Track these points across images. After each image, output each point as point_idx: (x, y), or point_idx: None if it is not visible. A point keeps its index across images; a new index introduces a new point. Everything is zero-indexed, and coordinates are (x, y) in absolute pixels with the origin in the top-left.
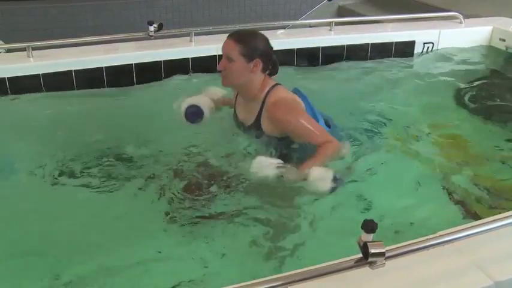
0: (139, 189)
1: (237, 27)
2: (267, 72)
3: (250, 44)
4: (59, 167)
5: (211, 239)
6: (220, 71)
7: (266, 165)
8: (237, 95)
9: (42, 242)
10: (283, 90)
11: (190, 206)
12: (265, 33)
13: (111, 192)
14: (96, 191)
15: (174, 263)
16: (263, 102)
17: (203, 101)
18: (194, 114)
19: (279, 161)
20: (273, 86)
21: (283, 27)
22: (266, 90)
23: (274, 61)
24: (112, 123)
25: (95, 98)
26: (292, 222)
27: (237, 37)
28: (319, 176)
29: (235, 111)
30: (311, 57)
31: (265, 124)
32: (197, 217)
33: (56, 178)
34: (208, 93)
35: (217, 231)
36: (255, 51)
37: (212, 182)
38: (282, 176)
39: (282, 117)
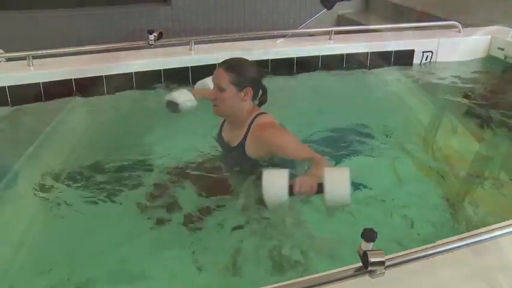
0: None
1: (237, 36)
2: (258, 99)
3: (241, 73)
4: (58, 176)
5: (209, 249)
6: (212, 100)
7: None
8: (224, 121)
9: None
10: (268, 116)
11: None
12: (265, 42)
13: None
14: (95, 201)
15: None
16: (249, 127)
17: (183, 95)
18: (171, 107)
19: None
20: (260, 114)
21: (283, 36)
22: (253, 116)
23: (264, 88)
24: (112, 131)
25: (95, 106)
26: (291, 231)
27: (227, 66)
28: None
29: (220, 133)
30: (310, 66)
31: (249, 147)
32: (196, 228)
33: (62, 184)
34: (198, 87)
35: (214, 242)
36: (246, 80)
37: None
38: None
39: (268, 136)
